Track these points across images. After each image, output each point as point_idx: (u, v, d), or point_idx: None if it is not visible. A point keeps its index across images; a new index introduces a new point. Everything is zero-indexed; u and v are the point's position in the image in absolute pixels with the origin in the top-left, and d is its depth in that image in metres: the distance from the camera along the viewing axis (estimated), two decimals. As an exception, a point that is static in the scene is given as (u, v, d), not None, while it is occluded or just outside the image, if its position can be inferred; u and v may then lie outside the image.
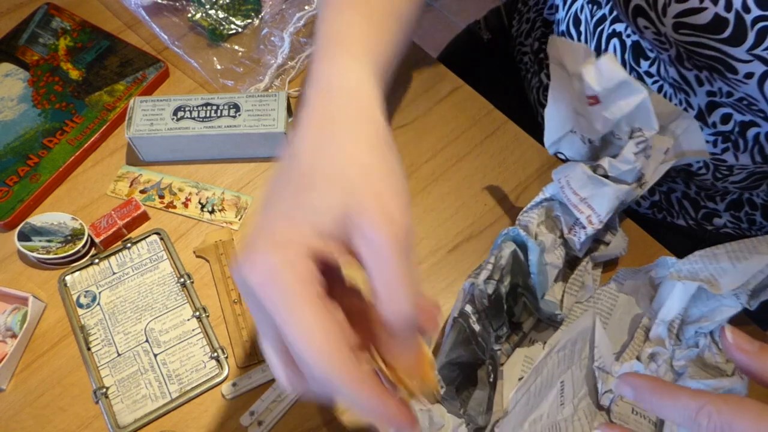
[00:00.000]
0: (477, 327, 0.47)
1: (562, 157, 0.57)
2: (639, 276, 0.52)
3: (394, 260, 0.30)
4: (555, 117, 0.50)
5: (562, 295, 0.52)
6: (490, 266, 0.49)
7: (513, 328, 0.52)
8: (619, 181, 0.48)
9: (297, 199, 0.33)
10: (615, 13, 0.57)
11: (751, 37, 0.45)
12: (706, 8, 0.46)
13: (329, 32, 0.40)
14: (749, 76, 0.47)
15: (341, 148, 0.34)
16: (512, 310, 0.51)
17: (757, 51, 0.45)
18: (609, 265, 0.56)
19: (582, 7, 0.61)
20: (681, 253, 0.55)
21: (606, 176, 0.48)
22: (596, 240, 0.53)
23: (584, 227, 0.49)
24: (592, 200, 0.48)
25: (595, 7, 0.58)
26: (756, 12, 0.44)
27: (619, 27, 0.56)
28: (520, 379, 0.51)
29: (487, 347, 0.48)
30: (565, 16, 0.65)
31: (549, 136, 0.52)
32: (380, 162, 0.34)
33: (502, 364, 0.51)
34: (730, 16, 0.45)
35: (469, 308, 0.47)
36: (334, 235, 0.32)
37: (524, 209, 0.52)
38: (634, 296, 0.52)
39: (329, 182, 0.33)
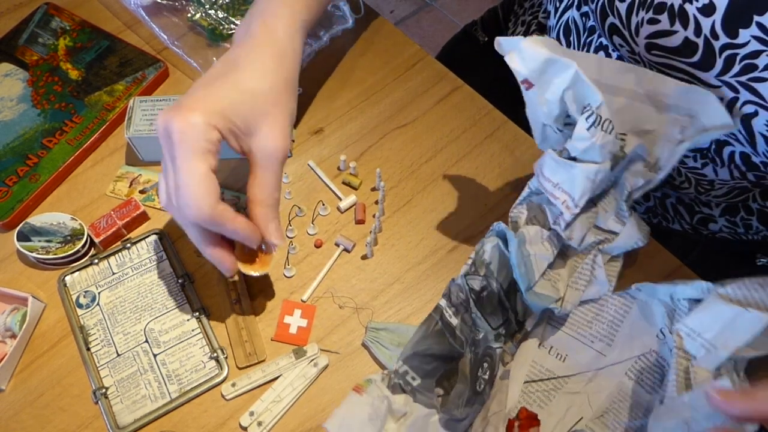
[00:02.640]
0: (454, 321, 0.47)
1: None
2: (658, 290, 0.50)
3: (276, 168, 0.48)
4: (531, 116, 0.50)
5: (565, 289, 0.51)
6: (470, 261, 0.49)
7: (519, 326, 0.52)
8: (587, 162, 0.47)
9: (221, 87, 0.46)
10: (593, 18, 0.57)
11: (719, 63, 0.46)
12: (676, 31, 0.47)
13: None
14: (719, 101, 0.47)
15: (262, 69, 0.48)
16: (516, 307, 0.51)
17: (725, 77, 0.46)
18: (629, 265, 0.55)
19: (573, 17, 0.62)
20: (677, 256, 0.55)
21: (574, 159, 0.47)
22: (601, 230, 0.52)
23: (562, 213, 0.48)
24: (564, 185, 0.48)
25: (584, 18, 0.59)
26: (724, 39, 0.45)
27: (607, 41, 0.56)
28: (525, 382, 0.51)
29: (467, 341, 0.48)
30: (556, 24, 0.65)
31: (535, 135, 0.51)
32: (284, 92, 0.49)
33: (507, 363, 0.51)
34: (700, 41, 0.46)
35: (443, 302, 0.47)
36: (236, 125, 0.45)
37: (513, 205, 0.51)
38: (649, 305, 0.51)
39: (247, 89, 0.46)
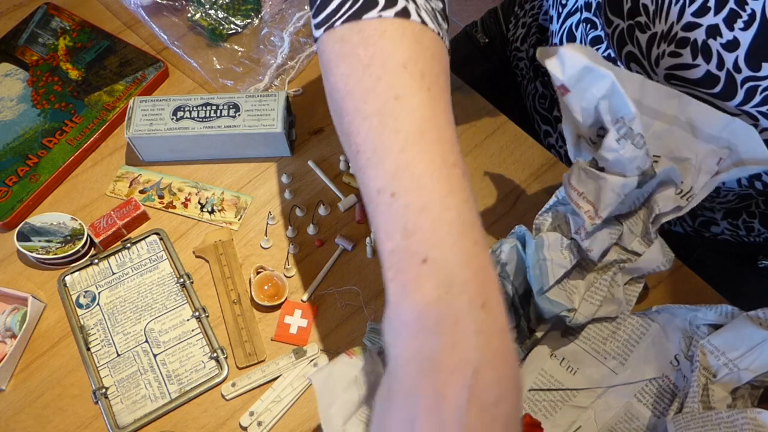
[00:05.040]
0: None
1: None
2: (678, 313, 0.50)
3: None
4: (566, 126, 0.50)
5: (580, 302, 0.51)
6: None
7: (530, 333, 0.51)
8: (615, 174, 0.46)
9: None
10: (607, 41, 0.57)
11: (740, 94, 0.47)
12: (698, 65, 0.47)
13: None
14: None
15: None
16: (528, 315, 0.51)
17: (746, 107, 0.47)
18: (648, 291, 0.54)
19: (577, 23, 0.61)
20: (678, 257, 0.55)
21: (602, 170, 0.47)
22: (624, 249, 0.51)
23: (584, 223, 0.48)
24: (589, 195, 0.47)
25: (589, 27, 0.58)
26: (746, 72, 0.45)
27: (615, 53, 0.56)
28: (533, 390, 0.51)
29: None
30: (560, 29, 0.64)
31: (568, 148, 0.51)
32: None
33: None
34: (722, 74, 0.47)
35: None
36: None
37: (539, 212, 0.51)
38: (666, 329, 0.50)
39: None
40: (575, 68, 0.44)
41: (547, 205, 0.51)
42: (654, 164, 0.47)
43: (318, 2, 0.41)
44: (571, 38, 0.63)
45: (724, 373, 0.45)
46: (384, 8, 0.38)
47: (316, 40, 0.42)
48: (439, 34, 0.40)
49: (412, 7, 0.39)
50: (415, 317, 0.33)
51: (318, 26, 0.41)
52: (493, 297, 0.34)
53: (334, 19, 0.39)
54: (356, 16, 0.38)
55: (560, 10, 0.64)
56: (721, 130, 0.46)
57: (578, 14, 0.60)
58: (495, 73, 0.82)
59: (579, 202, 0.47)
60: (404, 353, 0.34)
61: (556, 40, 0.66)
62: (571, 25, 0.62)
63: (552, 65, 0.45)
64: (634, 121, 0.44)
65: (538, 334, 0.51)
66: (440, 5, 0.43)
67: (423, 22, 0.39)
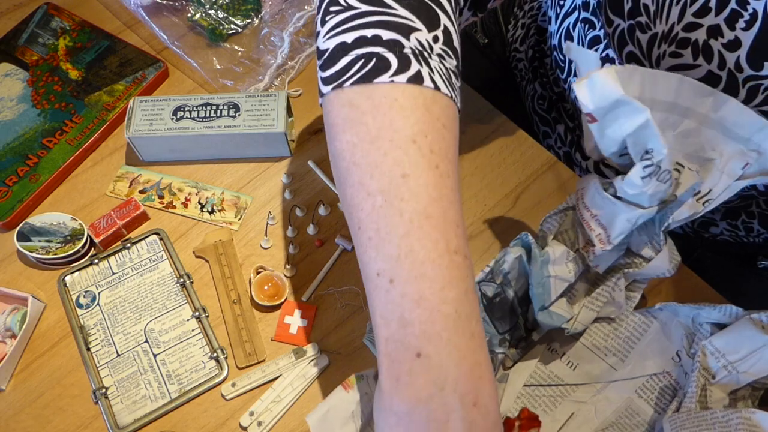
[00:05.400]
0: None
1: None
2: (680, 311, 0.50)
3: None
4: (586, 143, 0.48)
5: (580, 309, 0.50)
6: (487, 269, 0.49)
7: (527, 333, 0.51)
8: (632, 204, 0.44)
9: None
10: (607, 40, 0.57)
11: (742, 93, 0.46)
12: (699, 65, 0.47)
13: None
14: None
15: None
16: (527, 314, 0.51)
17: (748, 107, 0.46)
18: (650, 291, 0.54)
19: (575, 23, 0.61)
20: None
21: (619, 198, 0.45)
22: (631, 253, 0.50)
23: (594, 244, 0.46)
24: (602, 218, 0.46)
25: (587, 27, 0.58)
26: (748, 72, 0.45)
27: (613, 53, 0.56)
28: (533, 386, 0.51)
29: None
30: (557, 30, 0.64)
31: (593, 144, 0.48)
32: None
33: (510, 368, 0.51)
34: (723, 74, 0.46)
35: None
36: None
37: (548, 215, 0.50)
38: (668, 326, 0.50)
39: None
40: (607, 100, 0.41)
41: (556, 209, 0.50)
42: (676, 174, 0.44)
43: (326, 56, 0.39)
44: (569, 38, 0.63)
45: (723, 375, 0.45)
46: (396, 72, 0.37)
47: (321, 95, 0.40)
48: (452, 97, 0.39)
49: (425, 71, 0.37)
50: (406, 412, 0.34)
51: (325, 82, 0.39)
52: (485, 393, 0.35)
53: (343, 79, 0.38)
54: (367, 78, 0.37)
55: (558, 11, 0.64)
56: (753, 133, 0.44)
57: (576, 14, 0.60)
58: (494, 74, 0.82)
59: (591, 224, 0.46)
60: None
61: (554, 41, 0.66)
62: (569, 25, 0.62)
63: (581, 91, 0.42)
64: (664, 160, 0.41)
65: (534, 338, 0.52)
66: (454, 62, 0.41)
67: (436, 87, 0.37)
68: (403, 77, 0.37)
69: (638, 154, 0.43)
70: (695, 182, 0.44)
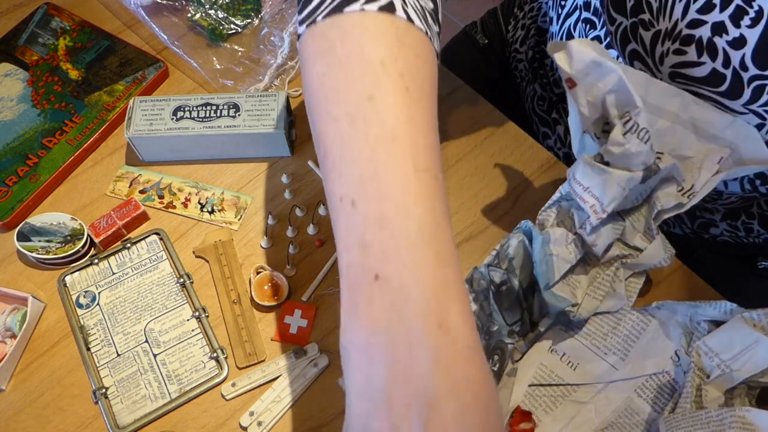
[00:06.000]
0: (473, 306, 0.47)
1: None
2: (678, 309, 0.50)
3: None
4: (572, 121, 0.50)
5: (583, 297, 0.51)
6: (494, 252, 0.49)
7: (532, 327, 0.52)
8: (620, 169, 0.46)
9: None
10: (609, 39, 0.57)
11: (747, 93, 0.46)
12: (704, 63, 0.47)
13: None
14: None
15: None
16: (532, 308, 0.51)
17: (753, 106, 0.46)
18: (650, 286, 0.55)
19: (576, 23, 0.61)
20: (677, 258, 0.55)
21: (607, 164, 0.47)
22: (626, 245, 0.51)
23: (589, 217, 0.48)
24: (594, 189, 0.47)
25: (588, 27, 0.58)
26: (753, 71, 0.45)
27: (614, 52, 0.56)
28: (533, 385, 0.51)
29: (482, 329, 0.48)
30: (559, 30, 0.64)
31: (573, 144, 0.51)
32: None
33: (518, 360, 0.51)
34: (728, 72, 0.46)
35: (465, 286, 0.47)
36: None
37: (543, 208, 0.51)
38: (666, 325, 0.51)
39: None
40: (583, 62, 0.45)
41: (550, 201, 0.51)
42: (657, 160, 0.47)
43: None
44: (570, 39, 0.63)
45: (717, 374, 0.45)
46: (368, 1, 0.36)
47: (299, 38, 0.39)
48: (427, 34, 0.37)
49: (398, 2, 0.36)
50: (364, 342, 0.30)
51: (301, 23, 0.38)
52: (454, 315, 0.31)
53: (316, 14, 0.37)
54: (338, 9, 0.36)
55: (560, 11, 0.64)
56: (723, 130, 0.46)
57: (577, 14, 0.60)
58: (494, 75, 0.82)
59: (584, 197, 0.48)
60: (356, 384, 0.31)
61: None
62: (570, 25, 0.62)
63: (560, 58, 0.46)
64: (640, 116, 0.44)
65: (541, 328, 0.52)
66: (431, 5, 0.40)
67: (409, 19, 0.36)
68: (374, 5, 0.35)
69: (618, 117, 0.46)
70: (675, 163, 0.46)
